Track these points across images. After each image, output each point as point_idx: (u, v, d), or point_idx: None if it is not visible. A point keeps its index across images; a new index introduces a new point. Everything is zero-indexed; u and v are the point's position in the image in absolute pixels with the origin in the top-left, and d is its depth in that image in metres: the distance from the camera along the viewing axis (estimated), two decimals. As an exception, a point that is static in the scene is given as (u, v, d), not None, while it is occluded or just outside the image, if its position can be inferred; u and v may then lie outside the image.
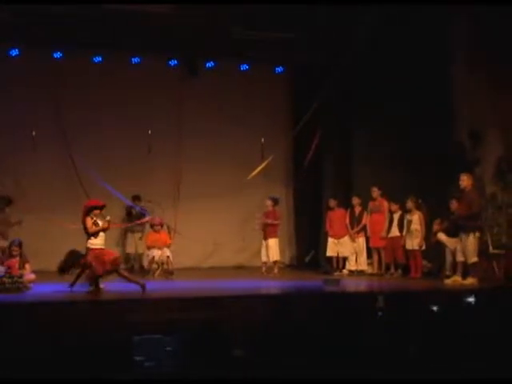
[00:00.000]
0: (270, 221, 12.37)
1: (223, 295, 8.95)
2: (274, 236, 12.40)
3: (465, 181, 10.35)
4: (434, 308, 8.00)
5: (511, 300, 8.59)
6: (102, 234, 9.78)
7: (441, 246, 11.18)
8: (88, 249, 9.71)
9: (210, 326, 7.36)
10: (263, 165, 12.51)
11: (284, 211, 14.17)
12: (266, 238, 12.37)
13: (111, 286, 9.76)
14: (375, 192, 12.24)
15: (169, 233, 12.72)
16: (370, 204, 12.36)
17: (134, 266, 13.06)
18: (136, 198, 12.82)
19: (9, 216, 11.47)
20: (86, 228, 9.78)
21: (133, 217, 12.95)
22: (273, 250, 12.30)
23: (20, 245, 10.08)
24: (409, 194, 11.60)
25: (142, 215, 12.74)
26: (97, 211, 9.83)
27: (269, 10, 10.86)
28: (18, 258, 9.90)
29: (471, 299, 8.43)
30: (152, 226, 12.30)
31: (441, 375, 6.37)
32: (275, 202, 12.59)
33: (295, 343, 7.21)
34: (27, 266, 10.06)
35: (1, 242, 10.98)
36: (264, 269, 12.35)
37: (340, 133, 13.78)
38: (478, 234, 10.39)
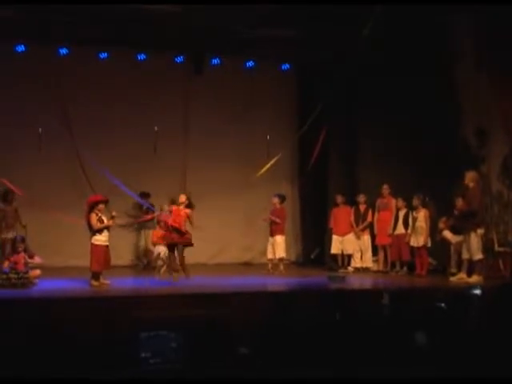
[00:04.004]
0: (278, 220, 12.33)
1: (229, 292, 8.95)
2: (281, 233, 12.36)
3: (468, 178, 10.36)
4: (441, 305, 7.99)
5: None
6: (106, 230, 9.83)
7: (446, 243, 11.17)
8: (92, 245, 9.75)
9: (216, 323, 7.37)
10: (271, 162, 12.42)
11: (289, 209, 14.15)
12: (272, 235, 12.33)
13: (117, 282, 9.79)
14: (386, 190, 12.27)
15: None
16: (378, 201, 12.39)
17: (143, 261, 13.09)
18: (144, 195, 12.82)
19: (17, 209, 11.38)
20: (90, 225, 9.82)
21: (143, 212, 12.99)
22: (279, 246, 12.25)
23: (23, 240, 10.09)
24: (415, 192, 11.59)
25: (149, 211, 12.76)
26: (101, 206, 9.86)
27: (275, 7, 10.83)
28: (23, 254, 9.92)
29: (477, 291, 8.41)
30: (158, 222, 12.29)
31: (445, 373, 6.37)
32: (282, 199, 12.55)
33: (301, 340, 7.21)
34: (36, 257, 10.06)
35: (10, 234, 10.96)
36: (270, 266, 12.33)
37: (346, 131, 13.78)
38: (481, 232, 10.38)
